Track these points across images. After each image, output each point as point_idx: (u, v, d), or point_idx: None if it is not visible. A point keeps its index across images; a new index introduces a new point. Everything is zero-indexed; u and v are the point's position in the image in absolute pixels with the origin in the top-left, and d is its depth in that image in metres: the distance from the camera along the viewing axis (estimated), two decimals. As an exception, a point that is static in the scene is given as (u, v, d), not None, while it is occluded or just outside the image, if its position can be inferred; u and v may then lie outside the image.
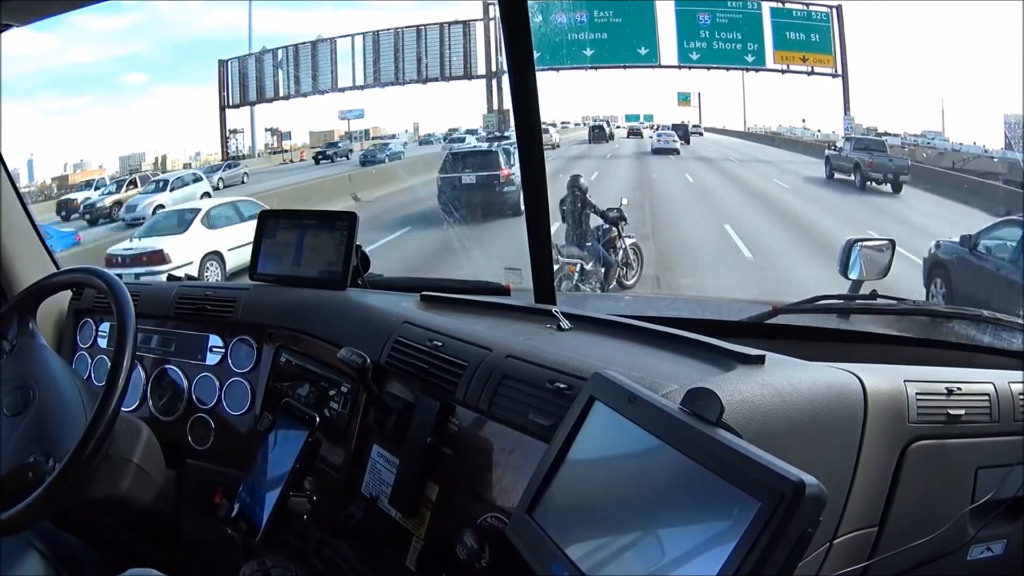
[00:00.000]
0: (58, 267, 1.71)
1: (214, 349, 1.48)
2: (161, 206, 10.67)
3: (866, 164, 9.76)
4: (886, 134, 13.94)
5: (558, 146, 15.68)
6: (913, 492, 0.90)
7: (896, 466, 0.89)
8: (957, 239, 5.24)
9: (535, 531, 0.73)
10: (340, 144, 16.46)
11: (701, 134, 16.04)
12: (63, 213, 12.20)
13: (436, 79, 15.83)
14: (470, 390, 1.00)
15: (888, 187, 9.66)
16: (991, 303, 4.22)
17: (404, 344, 1.15)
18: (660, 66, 14.25)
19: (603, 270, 5.80)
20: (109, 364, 1.13)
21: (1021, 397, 1.00)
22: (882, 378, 0.90)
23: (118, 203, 11.84)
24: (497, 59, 15.39)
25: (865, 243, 1.45)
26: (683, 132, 15.43)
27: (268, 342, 1.42)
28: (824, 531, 0.82)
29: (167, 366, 1.52)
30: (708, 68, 14.34)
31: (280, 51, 16.01)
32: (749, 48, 14.04)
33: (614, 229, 5.94)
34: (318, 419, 1.07)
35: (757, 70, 14.25)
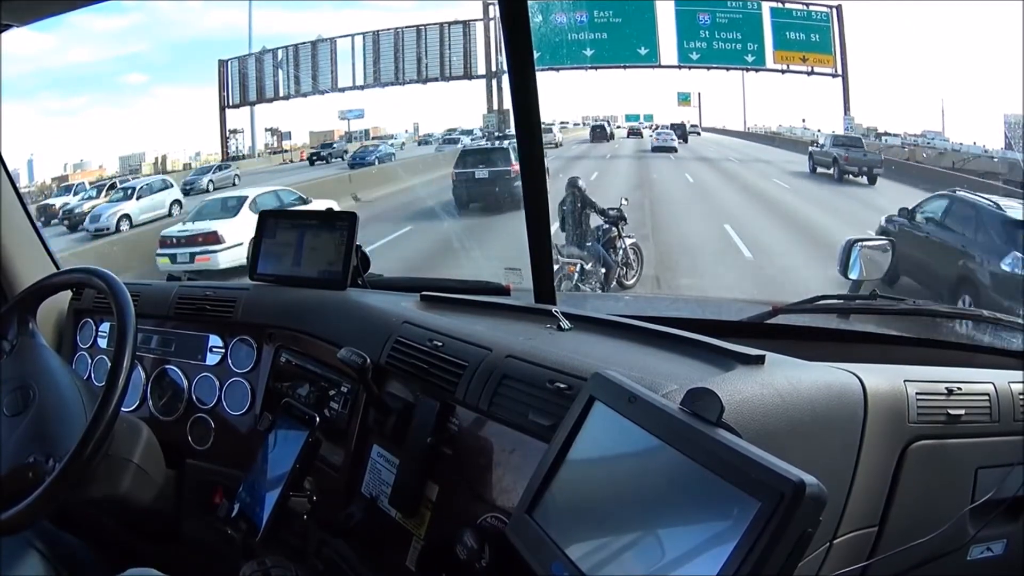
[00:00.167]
0: (58, 267, 1.71)
1: (214, 349, 1.48)
2: (126, 216, 10.47)
3: (842, 158, 10.81)
4: (886, 134, 13.98)
5: (560, 145, 15.92)
6: (913, 492, 0.90)
7: (896, 466, 0.89)
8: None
9: (535, 531, 0.73)
10: (335, 145, 16.48)
11: (699, 133, 16.48)
12: (42, 219, 11.89)
13: (436, 79, 15.84)
14: (470, 390, 1.00)
15: (864, 179, 10.72)
16: (925, 262, 5.49)
17: (404, 344, 1.15)
18: (660, 66, 14.27)
19: (603, 270, 5.80)
20: (109, 364, 1.13)
21: (1021, 397, 1.00)
22: (882, 378, 0.90)
23: (97, 209, 11.55)
24: (497, 59, 15.40)
25: (865, 243, 1.45)
26: (681, 132, 15.89)
27: (268, 342, 1.42)
28: (824, 531, 0.82)
29: (167, 366, 1.52)
30: (708, 68, 14.35)
31: (280, 51, 16.02)
32: (749, 48, 14.05)
33: (614, 229, 5.94)
34: (318, 419, 1.07)
35: (757, 70, 14.26)
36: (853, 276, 1.42)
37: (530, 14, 1.22)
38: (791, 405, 0.81)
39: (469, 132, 16.24)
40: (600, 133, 17.19)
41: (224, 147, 16.12)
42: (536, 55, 1.26)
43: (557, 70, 13.88)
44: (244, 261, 6.16)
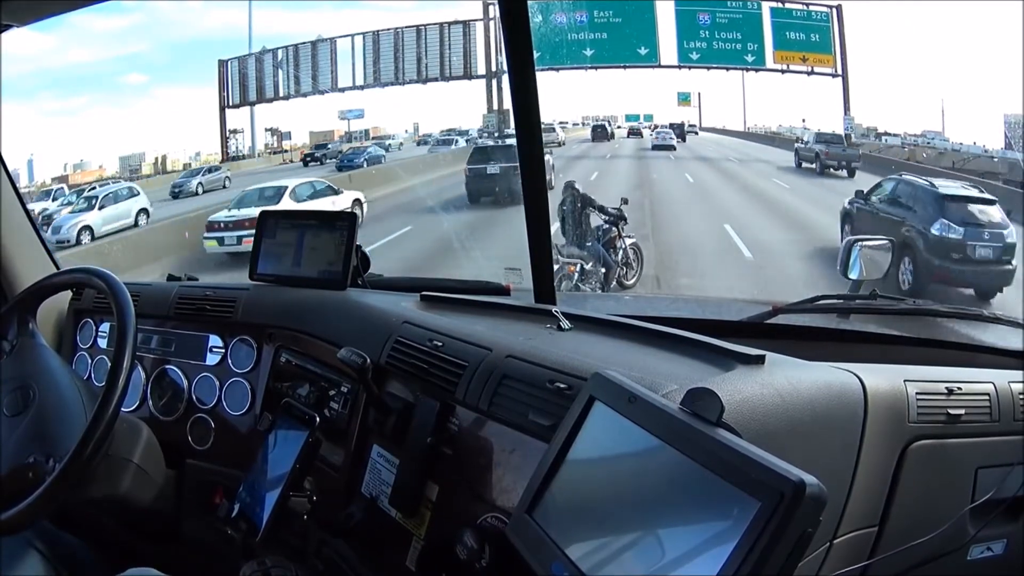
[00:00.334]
0: (58, 267, 1.71)
1: (214, 349, 1.48)
2: (88, 228, 10.26)
3: (823, 154, 11.93)
4: (886, 134, 14.02)
5: (563, 144, 16.20)
6: (913, 492, 0.90)
7: (896, 466, 0.89)
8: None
9: (535, 531, 0.73)
10: (330, 146, 16.45)
11: (696, 133, 17.02)
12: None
13: (436, 79, 15.84)
14: (470, 390, 1.00)
15: (844, 172, 11.70)
16: (876, 234, 5.72)
17: (404, 344, 1.15)
18: (660, 66, 14.27)
19: (603, 270, 5.80)
20: (109, 364, 1.13)
21: (1021, 397, 1.00)
22: (882, 378, 0.90)
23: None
24: (497, 59, 15.40)
25: (865, 243, 1.45)
26: (680, 131, 16.50)
27: (268, 342, 1.42)
28: (824, 531, 0.82)
29: (167, 366, 1.52)
30: (708, 68, 14.35)
31: (280, 51, 16.01)
32: (749, 48, 14.06)
33: (614, 229, 5.94)
34: (318, 419, 1.07)
35: (757, 70, 14.26)
36: (853, 276, 1.42)
37: (530, 14, 1.22)
38: (791, 405, 0.81)
39: (465, 133, 16.38)
40: (601, 133, 17.63)
41: (224, 147, 16.13)
42: (536, 55, 1.26)
43: (557, 70, 13.90)
44: None
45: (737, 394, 0.79)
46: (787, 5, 14.08)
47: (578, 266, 5.51)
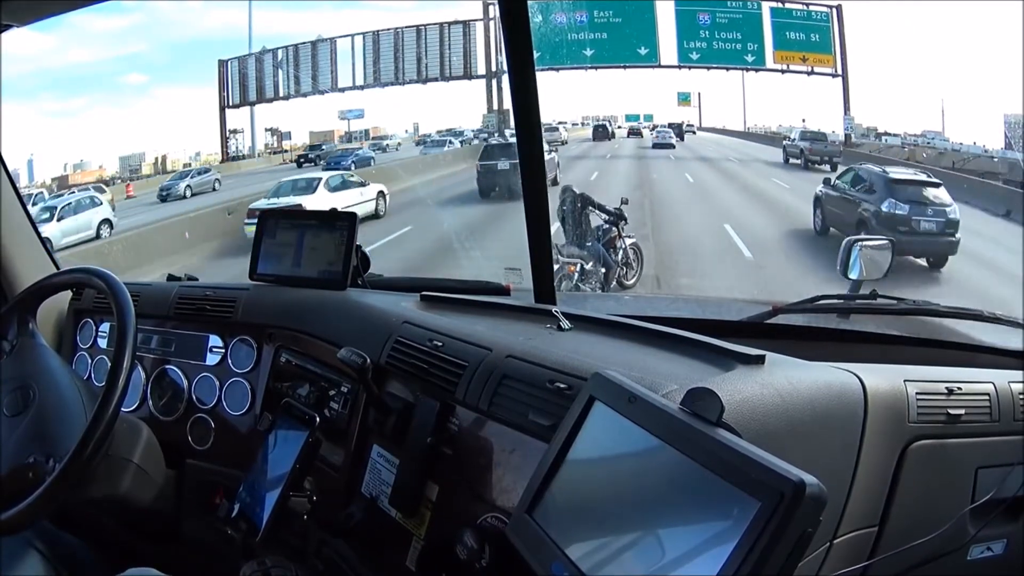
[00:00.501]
0: (58, 267, 1.70)
1: (214, 349, 1.48)
2: (47, 240, 10.17)
3: (807, 150, 13.01)
4: (886, 134, 14.05)
5: (566, 143, 16.45)
6: (913, 492, 0.90)
7: (896, 466, 0.89)
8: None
9: (535, 531, 0.73)
10: (324, 147, 16.45)
11: (694, 132, 17.51)
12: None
13: (436, 79, 15.85)
14: (470, 390, 1.00)
15: (827, 167, 12.43)
16: (840, 214, 7.95)
17: (404, 344, 1.15)
18: (660, 66, 14.29)
19: (603, 270, 5.80)
20: (109, 364, 1.13)
21: (1021, 397, 1.00)
22: (882, 378, 0.90)
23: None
24: (497, 59, 15.41)
25: (865, 243, 1.45)
26: (678, 130, 17.08)
27: (268, 342, 1.41)
28: (824, 531, 0.82)
29: (167, 366, 1.52)
30: (708, 68, 14.37)
31: (280, 51, 16.02)
32: (749, 48, 14.07)
33: (614, 229, 5.93)
34: (318, 419, 1.07)
35: (757, 70, 14.28)
36: (853, 276, 1.42)
37: (530, 14, 1.22)
38: (791, 405, 0.81)
39: (460, 134, 16.57)
40: (602, 132, 18.02)
41: (224, 147, 16.13)
42: (536, 55, 1.26)
43: (557, 70, 13.91)
44: None
45: (737, 394, 0.79)
46: (787, 5, 14.09)
47: (578, 266, 5.51)
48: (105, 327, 1.62)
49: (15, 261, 1.64)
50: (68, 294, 1.68)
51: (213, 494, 1.37)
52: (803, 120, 15.19)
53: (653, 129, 17.55)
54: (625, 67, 14.40)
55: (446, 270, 7.69)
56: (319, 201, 9.41)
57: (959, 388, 0.95)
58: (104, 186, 12.71)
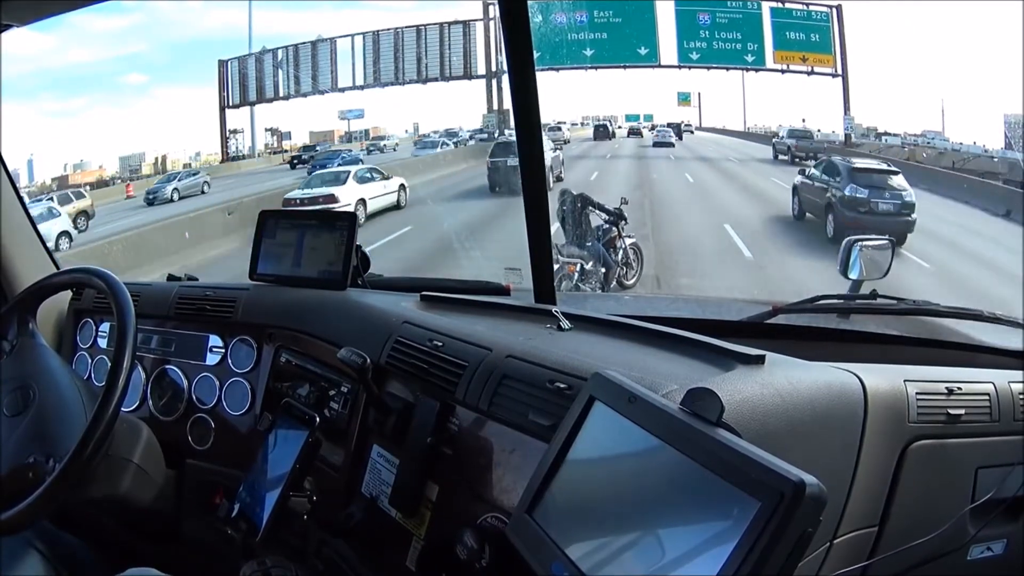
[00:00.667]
0: (58, 267, 1.70)
1: (214, 349, 1.48)
2: None
3: (794, 147, 13.86)
4: (886, 134, 14.08)
5: (568, 142, 16.64)
6: (913, 492, 0.90)
7: (896, 466, 0.89)
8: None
9: (535, 531, 0.73)
10: (318, 147, 16.41)
11: (692, 132, 17.95)
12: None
13: (436, 79, 15.86)
14: (470, 390, 1.00)
15: (812, 162, 12.85)
16: (813, 200, 9.07)
17: (404, 344, 1.15)
18: (660, 66, 14.30)
19: (603, 270, 5.80)
20: (109, 364, 1.13)
21: (1021, 397, 1.00)
22: (882, 378, 0.90)
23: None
24: (497, 59, 15.42)
25: (865, 243, 1.45)
26: (677, 130, 17.61)
27: (268, 342, 1.41)
28: (824, 531, 0.82)
29: (167, 366, 1.52)
30: (708, 68, 14.38)
31: (280, 51, 16.02)
32: (749, 48, 14.09)
33: (614, 229, 5.93)
34: (318, 419, 1.07)
35: (757, 70, 14.29)
36: (853, 276, 1.42)
37: (530, 14, 1.22)
38: (791, 405, 0.81)
39: (455, 134, 16.69)
40: (603, 132, 18.32)
41: (224, 147, 16.14)
42: (536, 55, 1.26)
43: (557, 70, 13.91)
44: None
45: (737, 394, 0.79)
46: (787, 5, 14.10)
47: (578, 266, 5.51)
48: (105, 327, 1.62)
49: (15, 261, 1.64)
50: (68, 294, 1.68)
51: (213, 494, 1.37)
52: (803, 120, 15.31)
53: (652, 129, 17.91)
54: (625, 67, 14.41)
55: (446, 270, 7.70)
56: (349, 191, 10.26)
57: (959, 388, 0.95)
58: (83, 191, 12.38)
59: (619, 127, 18.69)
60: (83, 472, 1.08)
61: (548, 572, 0.69)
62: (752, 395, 0.80)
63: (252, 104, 16.18)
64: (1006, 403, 0.98)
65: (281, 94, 16.10)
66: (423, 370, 1.08)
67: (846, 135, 14.42)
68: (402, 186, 11.43)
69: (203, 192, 13.67)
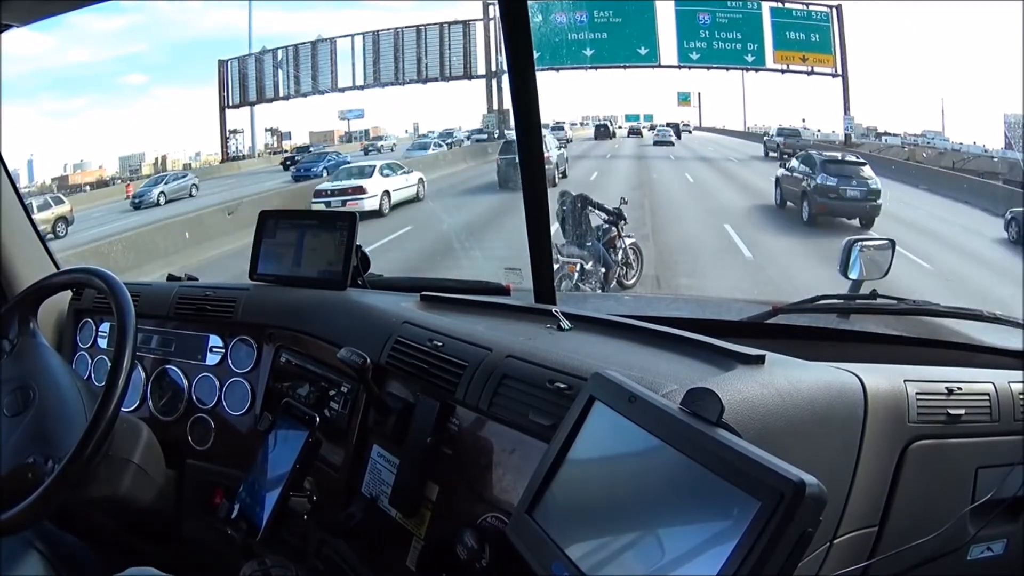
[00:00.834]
0: (58, 267, 1.70)
1: (214, 349, 1.48)
2: None
3: (783, 144, 14.40)
4: (886, 134, 14.09)
5: (571, 141, 16.92)
6: (913, 492, 0.90)
7: (896, 466, 0.89)
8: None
9: (535, 531, 0.73)
10: (311, 148, 16.39)
11: (690, 131, 18.41)
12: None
13: (436, 79, 15.86)
14: (470, 390, 1.00)
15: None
16: (793, 189, 9.91)
17: (404, 344, 1.15)
18: (660, 66, 14.32)
19: (603, 270, 5.80)
20: (109, 364, 1.13)
21: (1021, 397, 1.00)
22: (882, 378, 0.90)
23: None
24: (497, 59, 15.42)
25: (865, 243, 1.45)
26: (676, 129, 18.10)
27: (268, 342, 1.41)
28: (824, 531, 0.82)
29: (167, 366, 1.52)
30: (708, 68, 14.40)
31: (280, 51, 16.03)
32: (749, 48, 14.10)
33: (614, 229, 5.93)
34: (318, 419, 1.07)
35: (757, 70, 14.30)
36: (853, 276, 1.42)
37: (530, 14, 1.22)
38: (791, 405, 0.81)
39: (450, 135, 16.83)
40: (604, 131, 18.58)
41: (224, 147, 16.14)
42: (536, 55, 1.26)
43: (557, 70, 13.92)
44: (377, 206, 10.60)
45: (737, 394, 0.79)
46: (787, 5, 14.11)
47: (578, 266, 5.50)
48: (105, 327, 1.62)
49: (15, 261, 1.64)
50: (68, 294, 1.68)
51: (213, 494, 1.37)
52: (803, 120, 15.37)
53: (651, 129, 18.26)
54: (625, 67, 14.42)
55: (446, 270, 7.70)
56: (376, 183, 11.11)
57: (959, 388, 0.95)
58: (62, 197, 12.15)
59: (619, 127, 18.89)
60: (83, 472, 1.08)
61: (548, 572, 0.69)
62: (752, 395, 0.80)
63: (252, 104, 16.19)
64: (1006, 403, 0.98)
65: (281, 94, 16.11)
66: (423, 370, 1.08)
67: (846, 135, 14.44)
68: (421, 180, 12.09)
69: (191, 195, 13.51)
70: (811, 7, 14.11)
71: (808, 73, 14.27)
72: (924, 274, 7.15)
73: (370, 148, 16.72)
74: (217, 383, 1.45)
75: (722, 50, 14.15)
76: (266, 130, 16.69)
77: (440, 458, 1.01)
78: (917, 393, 0.91)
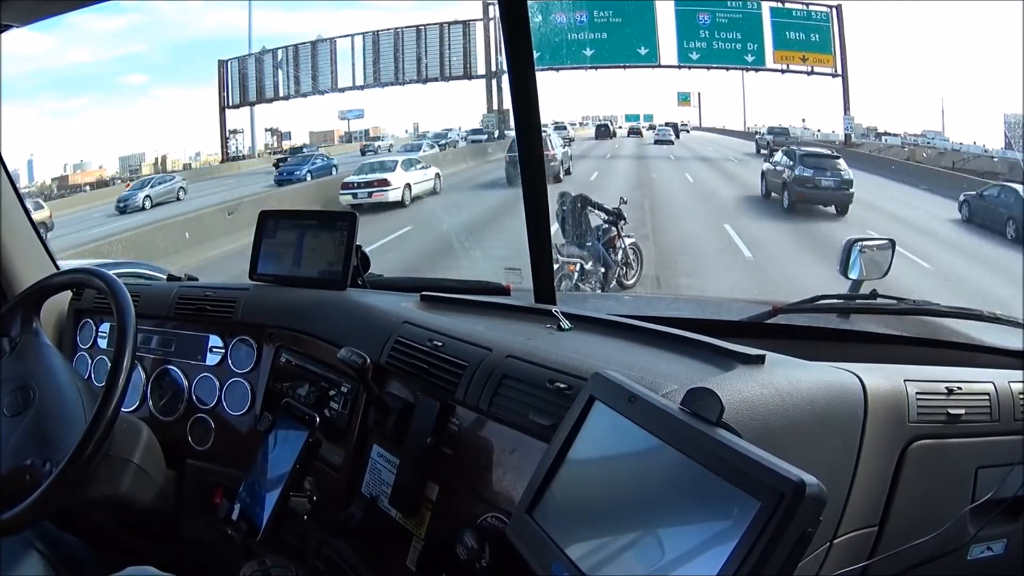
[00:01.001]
0: (58, 267, 1.70)
1: (214, 349, 1.48)
2: None
3: (772, 141, 15.01)
4: (886, 134, 14.10)
5: (574, 140, 17.02)
6: (913, 492, 0.90)
7: (896, 466, 0.89)
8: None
9: (535, 531, 0.73)
10: (305, 149, 16.37)
11: (688, 131, 18.80)
12: None
13: (436, 79, 15.88)
14: (470, 390, 1.00)
15: None
16: (776, 181, 10.85)
17: (404, 344, 1.15)
18: (660, 66, 14.34)
19: (603, 270, 5.80)
20: (109, 364, 1.13)
21: (1021, 397, 1.00)
22: (882, 378, 0.90)
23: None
24: (497, 59, 15.43)
25: (865, 243, 1.45)
26: (675, 129, 18.43)
27: (268, 342, 1.41)
28: (824, 531, 0.82)
29: (167, 366, 1.52)
30: (708, 68, 14.42)
31: (280, 51, 16.04)
32: (749, 48, 14.11)
33: (614, 229, 5.94)
34: (318, 419, 1.07)
35: (757, 70, 14.32)
36: (853, 276, 1.42)
37: (530, 14, 1.22)
38: (791, 405, 0.81)
39: (444, 135, 16.98)
40: (604, 131, 18.84)
41: (224, 147, 16.16)
42: (536, 55, 1.26)
43: (557, 70, 13.94)
44: (400, 197, 11.50)
45: (737, 394, 0.79)
46: (787, 5, 14.12)
47: (578, 266, 5.51)
48: (105, 327, 1.62)
49: (15, 261, 1.64)
50: (68, 294, 1.68)
51: (213, 494, 1.37)
52: (803, 120, 15.41)
53: (651, 128, 18.52)
54: (625, 67, 14.45)
55: (446, 270, 7.70)
56: (399, 177, 11.91)
57: (959, 388, 0.95)
58: (41, 202, 11.96)
59: (619, 127, 19.06)
60: (82, 473, 1.08)
61: (548, 572, 0.69)
62: (752, 395, 0.80)
63: (252, 104, 16.20)
64: (1006, 403, 0.98)
65: (281, 94, 16.12)
66: (423, 370, 1.08)
67: (846, 135, 14.46)
68: (437, 175, 12.77)
69: (178, 199, 13.37)
70: (811, 7, 14.13)
71: (808, 73, 14.29)
72: (924, 274, 7.16)
73: (367, 149, 16.72)
74: (217, 383, 1.45)
75: (722, 50, 14.17)
76: (266, 130, 16.71)
77: (440, 458, 1.01)
78: (917, 393, 0.91)
